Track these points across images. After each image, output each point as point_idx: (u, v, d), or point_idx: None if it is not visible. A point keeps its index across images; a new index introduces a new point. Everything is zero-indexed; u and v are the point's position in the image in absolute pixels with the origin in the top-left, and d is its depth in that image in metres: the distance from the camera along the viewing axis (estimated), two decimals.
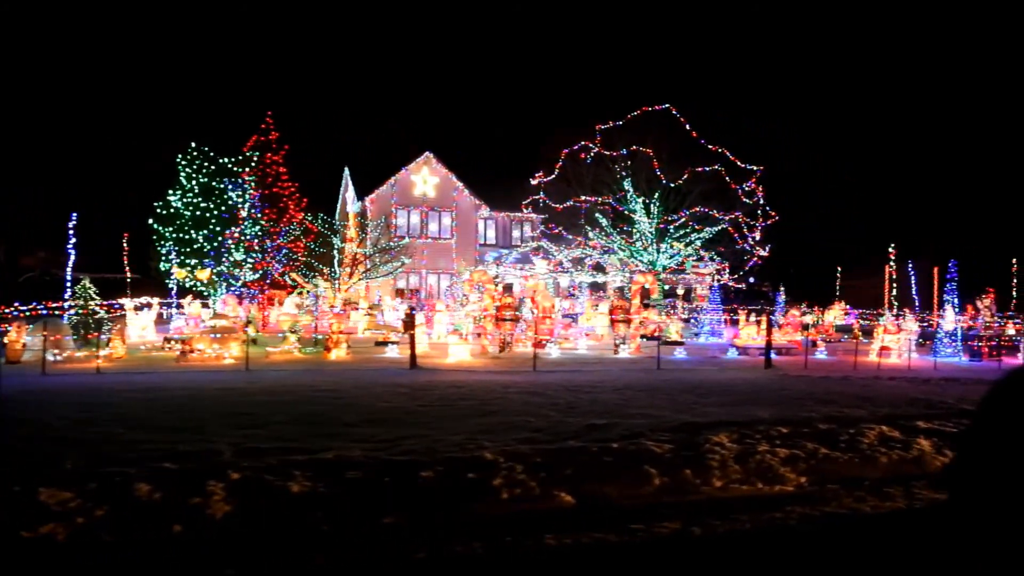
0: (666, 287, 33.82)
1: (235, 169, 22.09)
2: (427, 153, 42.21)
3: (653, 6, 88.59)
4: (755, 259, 31.18)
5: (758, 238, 30.76)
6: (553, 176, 30.84)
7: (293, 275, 38.32)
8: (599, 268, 33.37)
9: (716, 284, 28.63)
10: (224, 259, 21.65)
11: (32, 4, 64.70)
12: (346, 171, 45.83)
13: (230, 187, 21.16)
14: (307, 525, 6.49)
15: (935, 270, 40.44)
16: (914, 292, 38.74)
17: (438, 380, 14.34)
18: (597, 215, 31.17)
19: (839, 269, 38.37)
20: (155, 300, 24.64)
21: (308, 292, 35.35)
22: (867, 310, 32.71)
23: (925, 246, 47.51)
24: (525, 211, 33.52)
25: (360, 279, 37.91)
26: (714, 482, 8.22)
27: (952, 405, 12.33)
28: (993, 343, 20.70)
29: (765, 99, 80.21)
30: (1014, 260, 33.27)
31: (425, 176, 42.16)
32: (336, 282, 35.22)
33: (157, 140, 70.97)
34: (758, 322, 20.90)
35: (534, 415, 10.85)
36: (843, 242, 51.62)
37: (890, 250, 24.72)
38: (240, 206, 22.01)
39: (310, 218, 30.91)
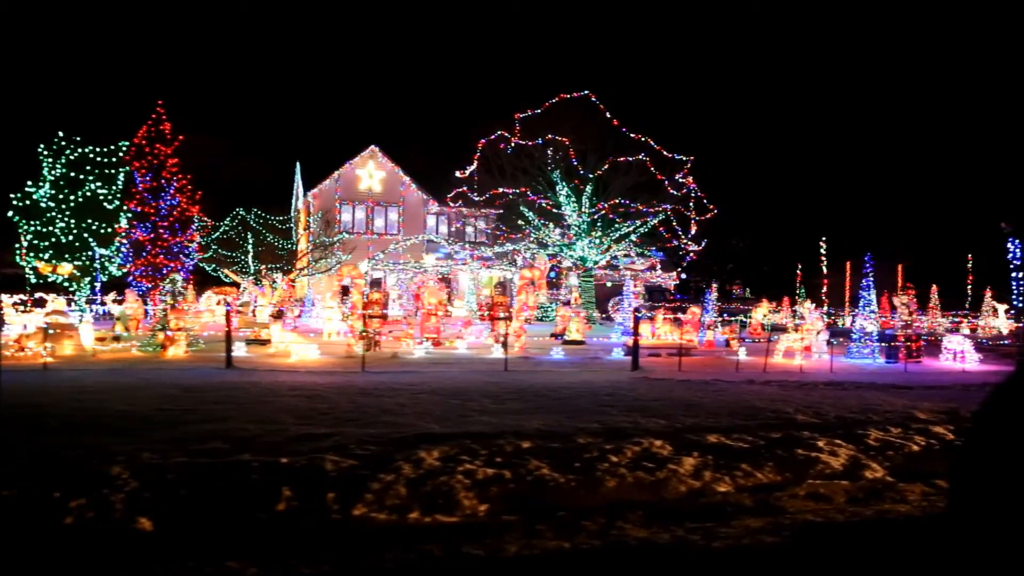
0: (608, 284, 32.10)
1: (102, 160, 20.72)
2: (372, 147, 40.75)
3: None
4: (689, 255, 29.33)
5: (692, 233, 28.87)
6: (473, 168, 29.16)
7: (227, 271, 37.11)
8: (513, 262, 31.58)
9: (629, 280, 26.73)
10: (88, 253, 20.28)
11: None
12: (298, 166, 44.59)
13: (92, 179, 19.83)
14: None
15: (899, 267, 38.51)
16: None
17: (227, 381, 12.81)
18: (522, 208, 29.47)
19: (799, 266, 36.35)
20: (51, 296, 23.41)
21: (245, 289, 34.25)
22: (831, 309, 30.86)
23: (883, 243, 45.40)
24: (454, 204, 31.76)
25: (297, 276, 36.57)
26: (360, 508, 6.60)
27: (790, 415, 10.58)
28: (912, 343, 18.77)
29: (730, 97, 78.17)
30: (969, 256, 31.19)
31: (371, 170, 40.68)
32: (270, 279, 33.94)
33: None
34: (651, 319, 19.16)
35: (264, 421, 9.34)
36: (808, 239, 49.52)
37: (821, 247, 22.70)
38: (109, 198, 20.59)
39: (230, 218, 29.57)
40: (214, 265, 34.92)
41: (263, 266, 35.40)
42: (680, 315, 19.45)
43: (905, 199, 68.45)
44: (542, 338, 21.89)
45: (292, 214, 41.37)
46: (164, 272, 24.69)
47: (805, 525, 6.37)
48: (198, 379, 13.10)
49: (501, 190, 28.66)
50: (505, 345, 18.51)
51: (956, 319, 29.41)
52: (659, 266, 30.72)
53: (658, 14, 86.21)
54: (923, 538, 6.04)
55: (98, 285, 24.07)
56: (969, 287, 32.38)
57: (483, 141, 28.58)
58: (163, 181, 23.52)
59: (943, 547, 4.14)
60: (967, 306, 32.70)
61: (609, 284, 35.97)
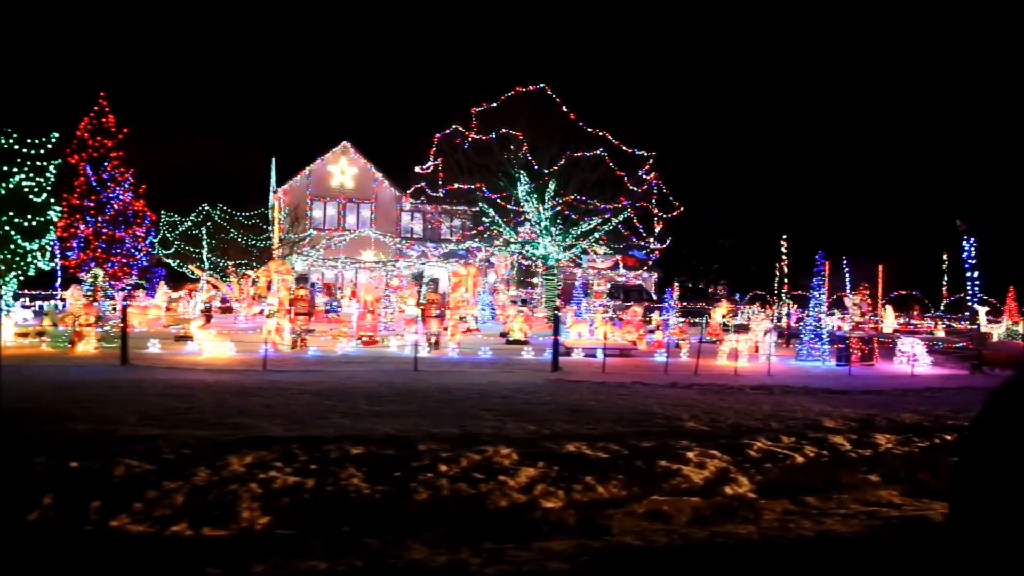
0: (576, 283, 31.20)
1: (31, 152, 20.06)
2: (344, 143, 40.04)
3: None
4: (655, 253, 28.44)
5: (657, 231, 27.96)
6: (430, 164, 28.37)
7: (192, 267, 36.47)
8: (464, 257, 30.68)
9: (580, 277, 25.86)
10: (11, 247, 19.64)
11: None
12: (273, 162, 43.98)
13: (18, 170, 19.18)
14: None
15: (880, 267, 37.53)
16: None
17: (108, 379, 12.12)
18: (481, 204, 28.65)
19: (777, 265, 35.25)
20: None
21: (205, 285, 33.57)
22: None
23: (883, 243, 44.45)
24: (415, 200, 30.96)
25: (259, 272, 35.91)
26: (121, 519, 5.85)
27: (680, 423, 9.82)
28: (865, 345, 17.89)
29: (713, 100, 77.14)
30: (944, 256, 30.20)
31: (343, 167, 39.98)
32: (238, 275, 33.29)
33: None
34: (587, 319, 18.36)
35: (105, 421, 8.87)
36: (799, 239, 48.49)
37: (782, 244, 21.68)
38: (36, 191, 19.92)
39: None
40: (178, 261, 34.31)
41: (231, 263, 34.76)
42: (622, 315, 18.61)
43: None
44: (490, 337, 21.11)
45: (268, 211, 40.77)
46: (110, 268, 24.11)
47: (614, 550, 5.58)
48: (80, 376, 12.41)
49: (456, 186, 27.91)
50: (438, 344, 17.80)
51: (915, 320, 28.50)
52: (621, 265, 29.89)
53: (660, 14, 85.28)
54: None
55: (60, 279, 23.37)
56: (945, 287, 31.43)
57: (438, 136, 27.81)
58: (105, 174, 22.86)
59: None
60: (942, 307, 31.75)
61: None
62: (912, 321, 30.39)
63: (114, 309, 25.05)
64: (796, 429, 9.64)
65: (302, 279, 20.09)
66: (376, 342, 19.17)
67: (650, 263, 29.65)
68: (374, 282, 20.64)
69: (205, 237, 29.26)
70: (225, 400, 10.53)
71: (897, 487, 7.83)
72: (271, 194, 40.52)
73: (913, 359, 17.46)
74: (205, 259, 29.49)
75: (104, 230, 22.74)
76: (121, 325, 14.44)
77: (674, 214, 28.08)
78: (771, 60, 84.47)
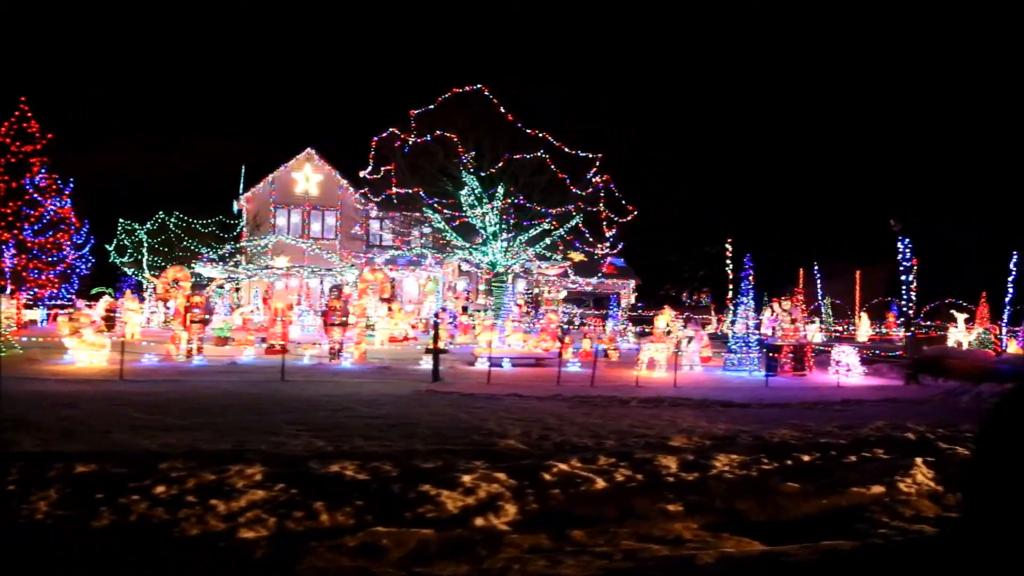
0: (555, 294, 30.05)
1: None
2: (308, 149, 39.31)
3: None
4: (606, 259, 27.30)
5: (610, 236, 26.82)
6: (382, 169, 27.51)
7: (148, 276, 35.82)
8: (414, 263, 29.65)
9: (510, 283, 24.74)
10: None
11: None
12: (243, 169, 43.43)
13: None
14: None
15: (857, 273, 36.18)
16: (820, 298, 34.41)
17: None
18: (424, 210, 27.70)
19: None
20: None
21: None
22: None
23: (883, 244, 42.93)
24: (363, 205, 30.05)
25: (223, 281, 35.16)
26: None
27: (496, 439, 8.67)
28: (798, 354, 16.66)
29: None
30: (915, 261, 28.67)
31: (307, 173, 39.22)
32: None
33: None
34: (493, 327, 17.29)
35: None
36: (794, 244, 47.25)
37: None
38: None
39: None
40: (133, 269, 33.67)
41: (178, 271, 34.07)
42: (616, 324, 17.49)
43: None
44: (416, 346, 20.06)
45: (232, 219, 40.15)
46: (33, 276, 23.43)
47: None
48: None
49: (395, 190, 27.03)
50: (338, 353, 16.84)
51: (891, 329, 27.12)
52: (570, 272, 28.82)
53: (668, 15, 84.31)
54: None
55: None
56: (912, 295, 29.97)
57: (375, 139, 26.96)
58: (25, 181, 22.27)
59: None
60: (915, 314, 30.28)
61: (561, 294, 34.04)
62: (882, 329, 29.01)
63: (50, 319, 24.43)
64: (632, 448, 8.54)
65: (198, 286, 19.15)
66: (285, 351, 18.23)
67: (602, 269, 28.50)
68: (286, 289, 19.78)
69: (146, 242, 28.51)
70: (26, 413, 9.60)
71: (702, 518, 6.70)
72: (234, 201, 39.87)
73: (847, 369, 16.23)
74: (146, 266, 28.73)
75: (22, 236, 22.10)
76: None
77: (628, 219, 27.04)
78: (771, 60, 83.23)
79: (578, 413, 10.79)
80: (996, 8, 70.09)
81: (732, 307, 21.12)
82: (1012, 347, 28.06)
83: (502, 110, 25.86)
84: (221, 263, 28.72)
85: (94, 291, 29.06)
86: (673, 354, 15.62)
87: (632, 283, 45.79)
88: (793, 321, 16.56)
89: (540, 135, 25.78)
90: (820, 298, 32.59)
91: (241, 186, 41.56)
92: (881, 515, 6.77)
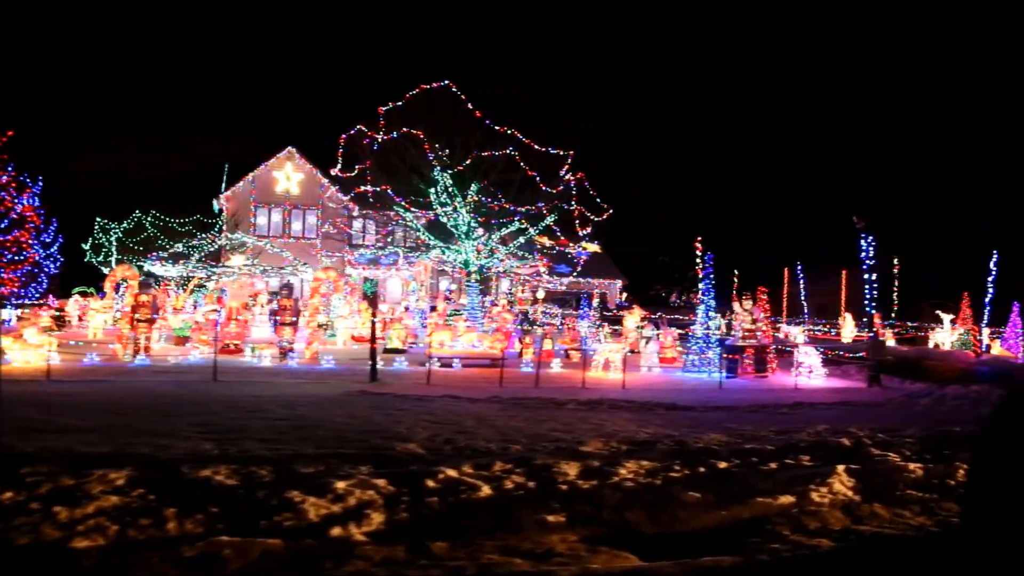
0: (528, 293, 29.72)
1: None
2: (290, 148, 39.02)
3: None
4: (580, 259, 26.90)
5: (581, 234, 26.41)
6: (340, 167, 27.19)
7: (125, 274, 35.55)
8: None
9: (473, 283, 24.30)
10: None
11: None
12: (226, 168, 43.17)
13: None
14: None
15: (844, 273, 35.65)
16: (802, 297, 33.94)
17: None
18: (395, 208, 27.32)
19: (735, 271, 33.53)
20: None
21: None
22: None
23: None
24: (336, 204, 29.67)
25: (200, 281, 34.88)
26: None
27: (383, 443, 8.26)
28: (758, 355, 16.23)
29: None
30: (896, 260, 28.28)
31: (288, 172, 38.92)
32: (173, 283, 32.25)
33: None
34: (449, 326, 16.90)
35: None
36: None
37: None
38: None
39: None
40: (108, 268, 33.43)
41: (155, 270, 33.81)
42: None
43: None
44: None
45: (212, 218, 39.91)
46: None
47: None
48: None
49: (363, 188, 26.70)
50: (287, 353, 16.49)
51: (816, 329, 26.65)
52: (544, 271, 28.42)
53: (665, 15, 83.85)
54: None
55: None
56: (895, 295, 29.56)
57: (343, 137, 26.63)
58: None
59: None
60: (892, 315, 29.84)
61: (539, 293, 33.56)
62: (869, 330, 28.55)
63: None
64: (536, 454, 8.14)
65: (144, 285, 18.77)
66: (240, 351, 17.89)
67: (579, 268, 28.11)
68: (240, 288, 19.51)
69: (115, 240, 28.25)
70: None
71: (585, 530, 6.29)
72: (214, 200, 39.59)
73: (808, 371, 15.81)
74: (114, 262, 28.44)
75: None
76: None
77: (603, 217, 26.65)
78: (770, 60, 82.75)
79: (504, 416, 10.39)
80: (984, 15, 69.57)
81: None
82: (996, 348, 27.60)
83: (470, 106, 25.52)
84: (170, 262, 28.38)
85: (76, 290, 28.85)
86: (629, 354, 15.24)
87: (619, 283, 45.39)
88: (754, 321, 16.12)
89: (509, 132, 25.43)
90: (803, 298, 32.16)
91: (223, 184, 41.31)
92: (783, 527, 6.36)
